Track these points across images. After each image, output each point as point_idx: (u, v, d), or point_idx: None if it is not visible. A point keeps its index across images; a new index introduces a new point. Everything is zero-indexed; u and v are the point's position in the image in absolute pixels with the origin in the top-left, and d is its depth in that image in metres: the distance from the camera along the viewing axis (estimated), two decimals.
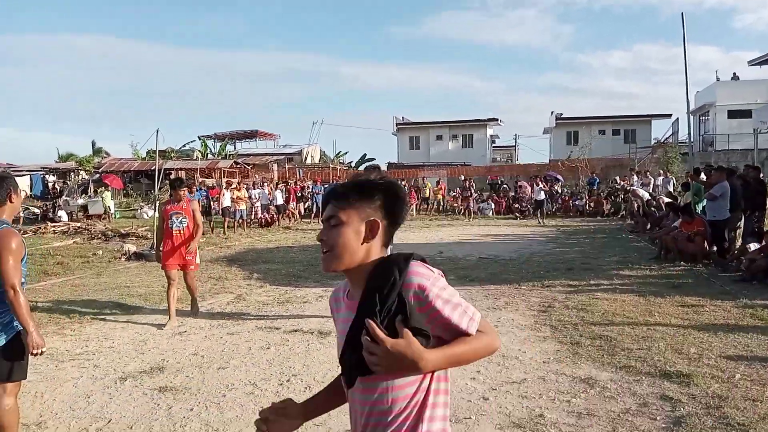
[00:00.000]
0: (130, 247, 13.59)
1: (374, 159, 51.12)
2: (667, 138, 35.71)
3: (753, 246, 9.64)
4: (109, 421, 4.07)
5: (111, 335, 6.41)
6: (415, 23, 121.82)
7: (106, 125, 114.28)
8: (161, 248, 7.09)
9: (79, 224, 19.49)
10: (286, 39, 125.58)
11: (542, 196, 22.77)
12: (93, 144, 48.78)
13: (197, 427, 3.95)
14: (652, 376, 4.73)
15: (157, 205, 6.86)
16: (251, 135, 55.00)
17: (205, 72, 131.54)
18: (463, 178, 29.93)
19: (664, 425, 3.81)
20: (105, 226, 18.87)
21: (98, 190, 22.31)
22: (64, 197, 27.21)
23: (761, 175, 11.60)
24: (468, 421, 3.98)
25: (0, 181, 3.43)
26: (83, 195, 29.40)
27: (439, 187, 29.03)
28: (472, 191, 27.20)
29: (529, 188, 26.82)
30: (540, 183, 23.51)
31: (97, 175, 34.83)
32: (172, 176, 33.59)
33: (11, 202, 3.44)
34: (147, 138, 48.84)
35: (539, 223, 21.63)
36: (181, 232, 7.04)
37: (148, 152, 40.25)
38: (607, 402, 4.25)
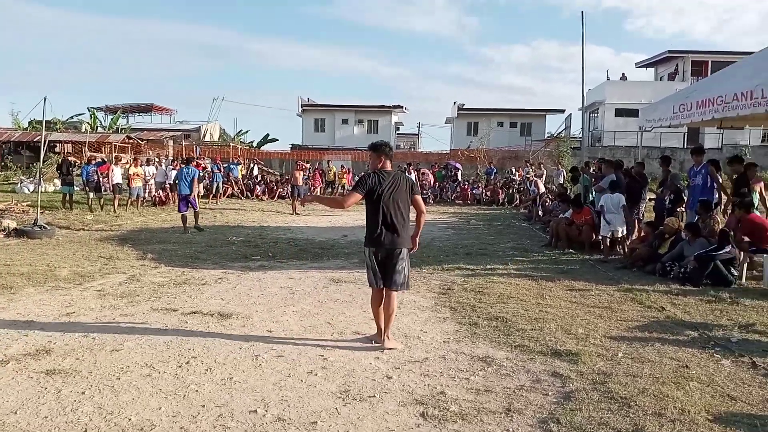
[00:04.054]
0: (10, 223, 12.60)
1: (277, 140, 50.37)
2: (560, 132, 37.62)
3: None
4: None
5: None
6: (326, 2, 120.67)
7: None
8: None
9: None
10: (188, 8, 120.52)
11: None
12: None
13: (90, 410, 3.74)
14: (544, 355, 5.00)
15: None
16: (146, 109, 52.38)
17: (97, 39, 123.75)
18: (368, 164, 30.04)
19: (555, 400, 4.04)
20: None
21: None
22: None
23: (643, 170, 12.45)
24: (372, 399, 4.03)
25: None
26: None
27: (344, 170, 28.99)
28: None
29: (430, 175, 27.44)
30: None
31: None
32: (57, 149, 31.55)
33: None
34: (32, 107, 45.28)
35: None
36: None
37: (30, 122, 37.43)
38: (503, 379, 4.45)
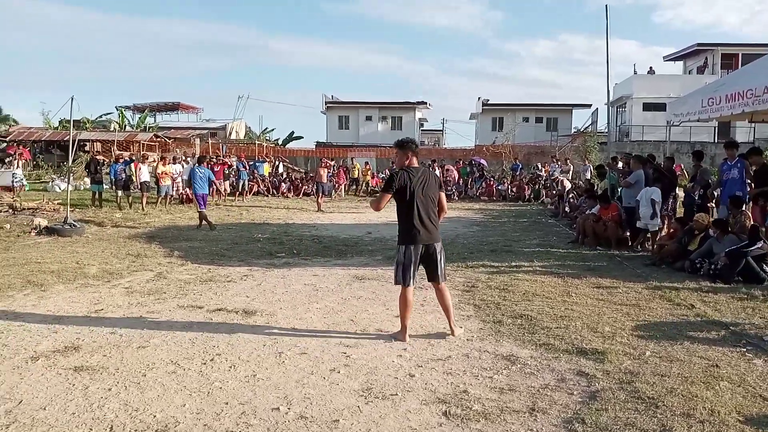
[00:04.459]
0: (41, 221, 12.87)
1: (302, 137, 50.70)
2: (586, 127, 37.13)
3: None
4: (20, 402, 3.85)
5: (21, 313, 6.05)
6: (347, 0, 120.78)
7: (15, 91, 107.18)
8: None
9: None
10: (213, 8, 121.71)
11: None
12: None
13: (116, 407, 3.80)
14: (570, 353, 4.93)
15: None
16: (173, 107, 53.17)
17: (125, 39, 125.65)
18: (394, 161, 30.04)
19: (580, 399, 3.98)
20: (13, 198, 17.71)
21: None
22: None
23: (674, 165, 12.24)
24: (394, 397, 4.02)
25: None
26: None
27: (367, 167, 29.03)
28: None
29: (455, 172, 27.32)
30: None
31: (4, 145, 32.77)
32: (87, 148, 32.16)
33: None
34: (60, 106, 46.37)
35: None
36: None
37: (60, 122, 38.19)
38: (527, 378, 4.40)
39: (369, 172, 28.73)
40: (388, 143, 40.98)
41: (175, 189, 20.38)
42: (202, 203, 13.78)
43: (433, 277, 5.38)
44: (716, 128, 31.66)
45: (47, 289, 7.15)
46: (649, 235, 10.69)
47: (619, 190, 12.63)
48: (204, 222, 13.67)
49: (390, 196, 5.20)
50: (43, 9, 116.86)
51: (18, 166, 22.15)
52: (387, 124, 45.72)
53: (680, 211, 11.87)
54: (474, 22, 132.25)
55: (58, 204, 16.92)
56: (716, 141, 32.13)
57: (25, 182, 21.75)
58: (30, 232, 12.01)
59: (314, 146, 44.07)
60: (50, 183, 24.94)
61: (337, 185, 26.47)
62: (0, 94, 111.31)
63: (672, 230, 10.23)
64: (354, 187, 28.44)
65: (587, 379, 4.34)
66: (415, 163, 5.34)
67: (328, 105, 46.40)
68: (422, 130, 52.45)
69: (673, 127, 13.37)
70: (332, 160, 30.12)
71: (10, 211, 15.48)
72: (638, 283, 7.84)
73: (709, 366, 4.63)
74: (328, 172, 23.27)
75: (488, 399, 4.00)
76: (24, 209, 15.64)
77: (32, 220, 13.03)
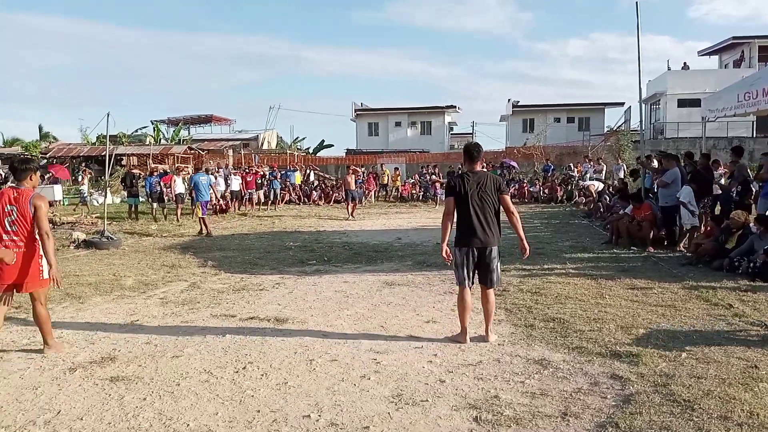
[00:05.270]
0: (80, 234, 13.20)
1: (332, 145, 50.96)
2: (619, 126, 36.55)
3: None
4: (58, 413, 3.96)
5: (59, 325, 6.19)
6: (377, 8, 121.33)
7: (54, 109, 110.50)
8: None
9: None
10: (244, 21, 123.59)
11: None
12: (40, 128, 47.21)
13: (150, 416, 3.87)
14: (603, 356, 4.86)
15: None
16: (206, 120, 53.99)
17: (158, 54, 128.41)
18: (424, 166, 30.04)
19: (614, 403, 3.91)
20: (53, 213, 18.20)
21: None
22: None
23: (711, 162, 11.95)
24: (425, 403, 4.01)
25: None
26: None
27: (396, 173, 29.05)
28: (440, 177, 27.28)
29: None
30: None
31: (44, 161, 33.72)
32: (123, 162, 32.86)
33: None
34: (97, 122, 47.61)
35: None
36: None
37: (98, 137, 39.10)
38: (559, 382, 4.34)
39: (399, 178, 28.74)
40: (418, 148, 41.00)
41: None
42: (205, 210, 14.81)
43: (484, 279, 5.39)
44: (754, 122, 30.85)
45: (85, 302, 7.33)
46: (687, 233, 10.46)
47: (654, 188, 12.38)
48: (205, 228, 14.46)
49: (453, 198, 5.30)
50: (78, 26, 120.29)
51: (84, 183, 23.04)
52: (416, 130, 45.72)
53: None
54: (504, 24, 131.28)
55: (96, 217, 17.34)
56: (755, 135, 31.31)
57: (88, 198, 22.54)
58: (69, 246, 12.33)
59: (344, 154, 44.28)
60: (89, 197, 25.54)
61: (367, 192, 26.55)
62: (41, 112, 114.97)
63: (708, 228, 9.99)
64: (383, 193, 28.49)
65: (621, 383, 4.27)
66: (477, 167, 5.45)
67: (358, 112, 46.61)
68: (452, 134, 52.22)
69: (709, 122, 13.07)
70: (362, 166, 30.24)
71: (50, 225, 15.90)
72: (674, 283, 7.67)
73: (747, 367, 4.50)
74: (357, 179, 23.35)
75: (520, 404, 3.96)
76: (63, 223, 16.06)
77: (71, 234, 13.37)
